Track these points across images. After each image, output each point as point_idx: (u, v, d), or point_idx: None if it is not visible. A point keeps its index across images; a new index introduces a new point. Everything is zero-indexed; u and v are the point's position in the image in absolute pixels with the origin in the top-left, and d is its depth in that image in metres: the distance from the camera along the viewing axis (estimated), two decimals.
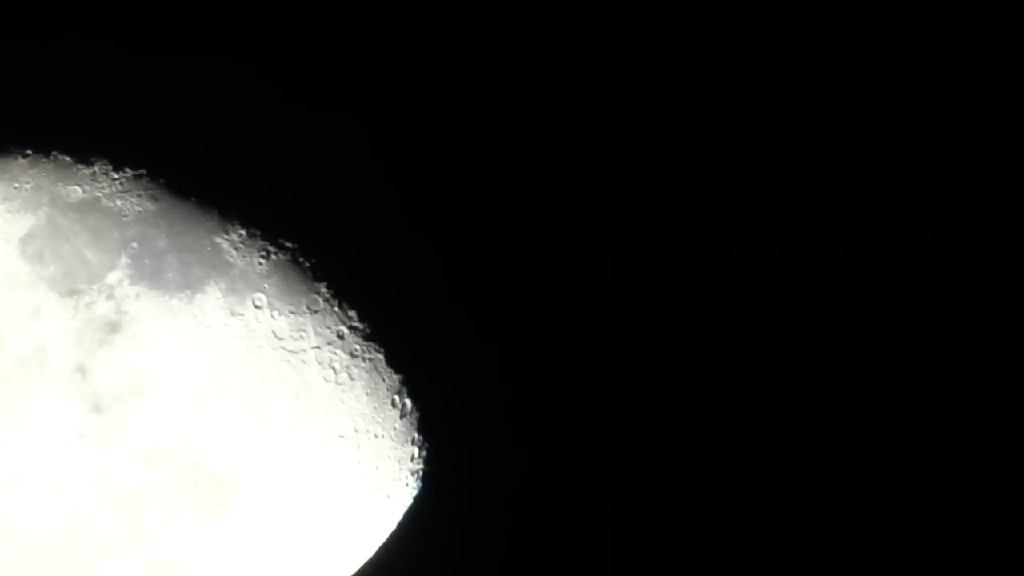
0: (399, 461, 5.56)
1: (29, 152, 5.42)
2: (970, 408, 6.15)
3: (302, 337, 5.35)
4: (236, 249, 5.31)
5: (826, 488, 6.01)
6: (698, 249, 5.82)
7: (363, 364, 5.43)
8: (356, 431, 5.45)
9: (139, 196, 5.32)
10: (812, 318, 5.89)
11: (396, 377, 5.47)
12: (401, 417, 5.52)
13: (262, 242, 5.33)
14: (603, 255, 5.63)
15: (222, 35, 5.39)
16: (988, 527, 6.20)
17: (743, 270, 5.84)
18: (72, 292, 5.29)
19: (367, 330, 5.42)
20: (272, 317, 5.32)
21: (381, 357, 5.45)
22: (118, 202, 5.32)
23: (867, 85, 5.78)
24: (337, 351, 5.39)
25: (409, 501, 5.64)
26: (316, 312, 5.37)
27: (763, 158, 5.66)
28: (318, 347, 5.37)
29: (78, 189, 5.36)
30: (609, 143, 5.77)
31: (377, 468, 5.52)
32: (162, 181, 5.32)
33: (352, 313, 5.40)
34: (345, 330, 5.40)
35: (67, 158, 5.38)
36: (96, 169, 5.36)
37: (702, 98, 5.67)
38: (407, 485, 5.61)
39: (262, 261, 5.33)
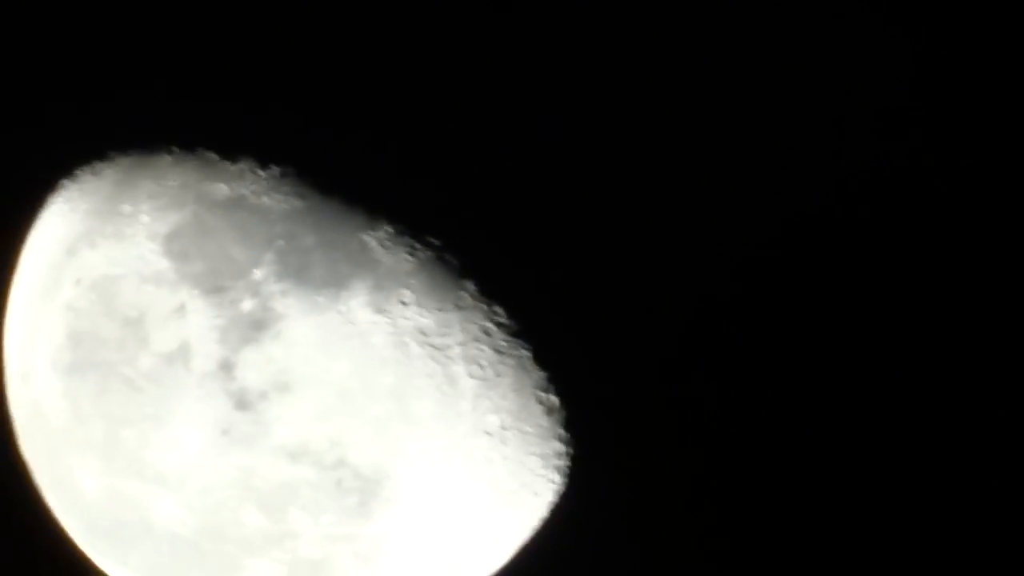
0: (544, 458, 5.51)
1: (175, 149, 5.40)
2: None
3: (448, 334, 5.30)
4: (383, 246, 5.27)
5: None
6: None
7: (509, 361, 5.37)
8: (502, 428, 5.40)
9: (285, 193, 5.29)
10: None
11: (542, 374, 5.42)
12: (548, 414, 5.47)
13: (408, 239, 5.28)
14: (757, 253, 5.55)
15: (367, 31, 5.35)
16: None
17: None
18: (217, 289, 5.27)
19: (514, 327, 5.36)
20: (418, 314, 5.28)
21: (528, 354, 5.39)
22: (264, 199, 5.29)
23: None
24: (483, 348, 5.34)
25: (554, 498, 5.59)
26: (462, 309, 5.32)
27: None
28: (464, 344, 5.32)
29: (224, 187, 5.33)
30: None
31: (523, 465, 5.48)
32: (308, 178, 5.29)
33: (499, 309, 5.34)
34: (492, 327, 5.34)
35: (213, 155, 5.36)
36: (242, 166, 5.33)
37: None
38: (552, 482, 5.56)
39: (408, 258, 5.28)
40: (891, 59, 5.85)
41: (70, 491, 5.68)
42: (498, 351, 5.36)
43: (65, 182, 5.61)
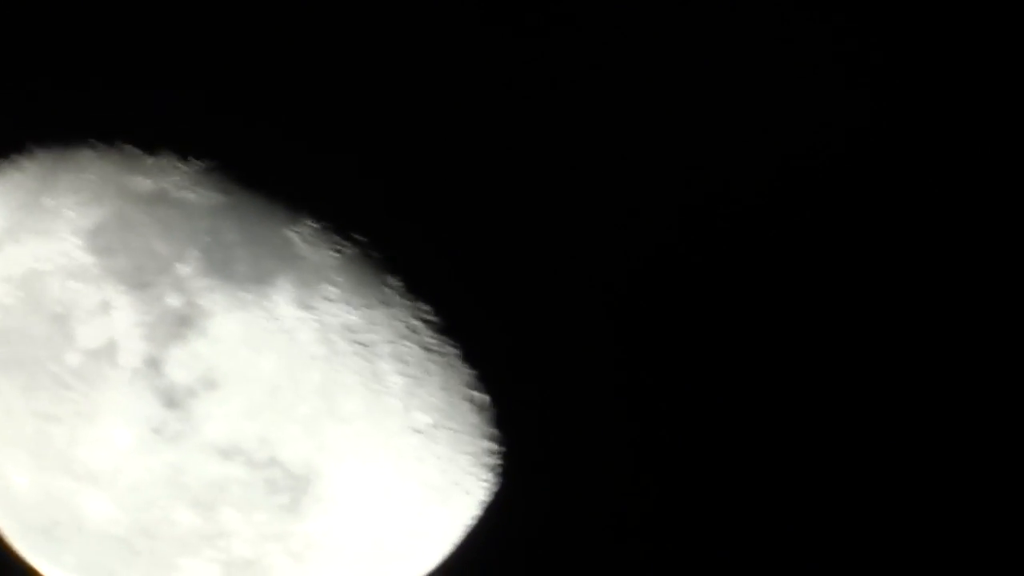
0: (475, 456, 5.48)
1: (96, 142, 5.36)
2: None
3: (374, 331, 5.26)
4: (307, 242, 5.23)
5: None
6: None
7: (437, 359, 5.33)
8: (432, 426, 5.36)
9: (208, 188, 5.25)
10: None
11: (471, 372, 5.38)
12: (477, 412, 5.43)
13: (333, 235, 5.24)
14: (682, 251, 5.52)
15: (295, 30, 5.31)
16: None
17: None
18: (142, 285, 5.23)
19: (441, 324, 5.32)
20: (344, 311, 5.23)
21: (456, 351, 5.35)
22: (187, 193, 5.25)
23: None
24: (411, 345, 5.30)
25: (486, 496, 5.56)
26: (389, 306, 5.28)
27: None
28: (392, 341, 5.28)
29: (147, 181, 5.29)
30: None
31: (454, 463, 5.44)
32: (232, 173, 5.25)
33: (425, 306, 5.30)
34: (418, 324, 5.30)
35: (135, 149, 5.32)
36: (164, 161, 5.29)
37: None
38: (484, 480, 5.53)
39: (333, 254, 5.24)
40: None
41: (1, 488, 5.65)
42: (426, 348, 5.32)
43: None
